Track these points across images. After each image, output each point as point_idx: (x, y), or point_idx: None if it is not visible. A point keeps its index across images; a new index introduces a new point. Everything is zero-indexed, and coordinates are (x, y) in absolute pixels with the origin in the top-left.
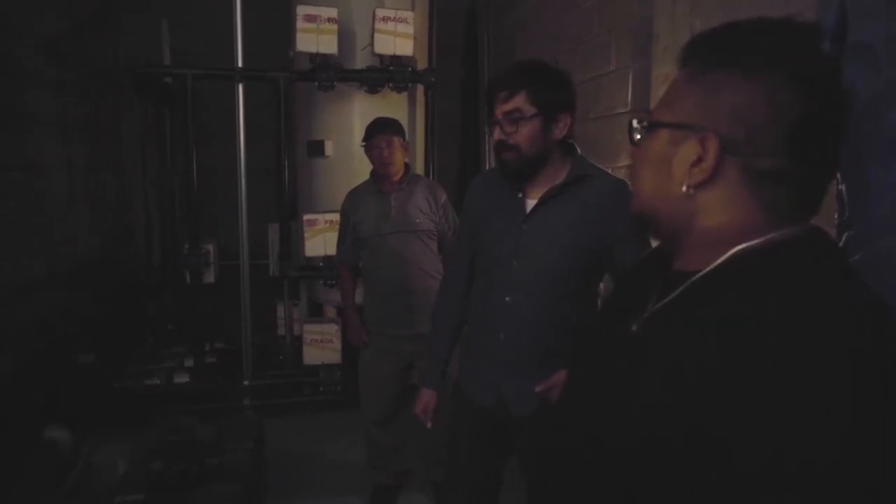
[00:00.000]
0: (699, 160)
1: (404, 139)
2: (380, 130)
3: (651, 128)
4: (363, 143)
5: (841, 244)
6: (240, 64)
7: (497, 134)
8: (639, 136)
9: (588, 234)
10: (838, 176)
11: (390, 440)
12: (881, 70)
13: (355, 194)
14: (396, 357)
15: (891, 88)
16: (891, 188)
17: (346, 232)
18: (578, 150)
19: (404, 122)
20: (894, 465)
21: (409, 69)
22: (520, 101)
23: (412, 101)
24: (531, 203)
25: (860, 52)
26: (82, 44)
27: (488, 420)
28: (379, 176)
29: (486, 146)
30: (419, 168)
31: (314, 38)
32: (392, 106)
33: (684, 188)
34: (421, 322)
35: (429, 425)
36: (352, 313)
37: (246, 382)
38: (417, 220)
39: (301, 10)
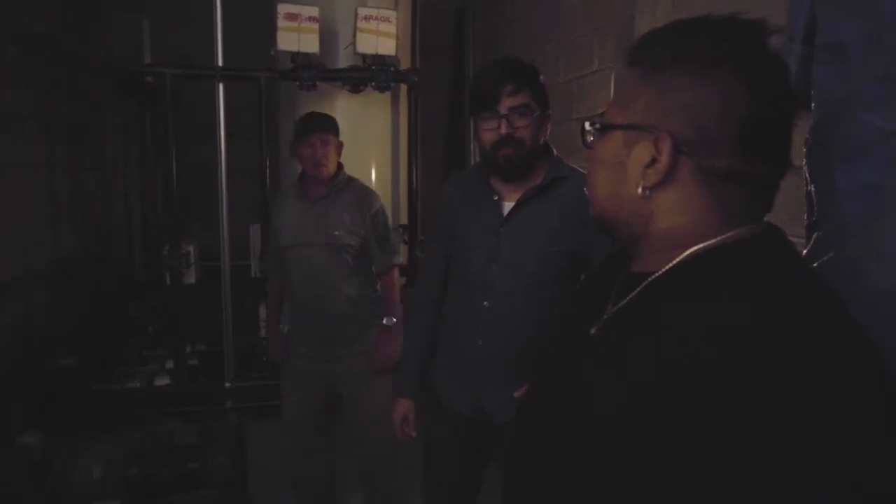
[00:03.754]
0: (653, 161)
1: (339, 138)
2: (316, 129)
3: (604, 130)
4: (292, 142)
5: (810, 245)
6: (220, 63)
7: (505, 128)
8: (592, 139)
9: (567, 236)
10: (807, 176)
11: (317, 467)
12: (851, 70)
13: (281, 198)
14: (316, 378)
15: (861, 89)
16: (859, 190)
17: (269, 237)
18: (554, 151)
19: (387, 122)
20: (870, 470)
21: (392, 69)
22: (527, 97)
23: (395, 101)
24: (508, 206)
25: (830, 53)
26: (66, 42)
27: (468, 427)
28: (306, 179)
29: (472, 146)
30: (403, 169)
31: (295, 36)
32: (375, 105)
33: (639, 190)
34: (339, 345)
35: (413, 435)
36: (271, 325)
37: (227, 385)
38: (336, 234)
39: (282, 9)
